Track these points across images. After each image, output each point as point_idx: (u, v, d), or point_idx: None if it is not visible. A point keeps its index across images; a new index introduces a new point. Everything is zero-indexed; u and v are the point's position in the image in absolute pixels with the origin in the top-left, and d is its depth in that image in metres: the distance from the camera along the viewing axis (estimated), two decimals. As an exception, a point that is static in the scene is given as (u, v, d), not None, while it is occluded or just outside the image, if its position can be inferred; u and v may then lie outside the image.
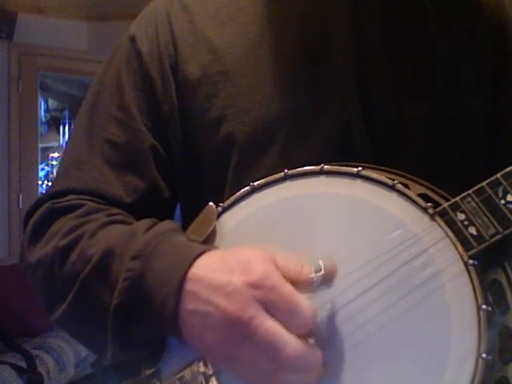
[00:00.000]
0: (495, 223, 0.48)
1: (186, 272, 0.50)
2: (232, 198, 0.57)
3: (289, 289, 0.47)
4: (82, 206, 0.62)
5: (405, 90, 0.62)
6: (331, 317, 0.50)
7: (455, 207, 0.50)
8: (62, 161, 0.69)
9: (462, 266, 0.48)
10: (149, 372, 0.55)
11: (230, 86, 0.63)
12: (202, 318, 0.48)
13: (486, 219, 0.48)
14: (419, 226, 0.50)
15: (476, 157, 0.63)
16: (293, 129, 0.61)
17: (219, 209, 0.57)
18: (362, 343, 0.49)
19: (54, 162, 4.91)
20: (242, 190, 0.57)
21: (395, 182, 0.52)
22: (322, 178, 0.55)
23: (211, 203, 0.58)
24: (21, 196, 3.42)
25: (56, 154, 4.94)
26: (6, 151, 3.40)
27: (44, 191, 3.31)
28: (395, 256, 0.50)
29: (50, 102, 4.98)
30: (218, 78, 0.64)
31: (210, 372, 0.51)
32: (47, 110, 4.95)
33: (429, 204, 0.51)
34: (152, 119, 0.66)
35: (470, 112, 0.62)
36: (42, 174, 4.51)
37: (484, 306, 0.46)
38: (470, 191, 0.49)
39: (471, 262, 0.48)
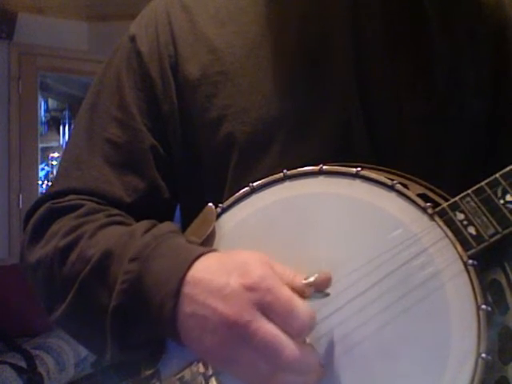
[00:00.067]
0: (494, 223, 0.48)
1: (184, 275, 0.50)
2: (231, 199, 0.57)
3: (286, 291, 0.47)
4: (81, 206, 0.62)
5: (405, 90, 0.62)
6: (331, 317, 0.50)
7: (454, 207, 0.50)
8: (62, 161, 0.69)
9: (462, 266, 0.48)
10: (148, 372, 0.55)
11: (229, 86, 0.63)
12: (199, 321, 0.48)
13: (485, 219, 0.48)
14: (418, 226, 0.50)
15: (475, 157, 0.63)
16: (292, 129, 0.61)
17: (218, 209, 0.57)
18: (362, 343, 0.49)
19: (54, 162, 4.91)
20: (242, 190, 0.57)
21: (394, 182, 0.52)
22: (321, 179, 0.55)
23: (210, 204, 0.58)
24: (21, 196, 3.42)
25: (56, 154, 4.94)
26: (6, 151, 3.40)
27: (44, 191, 3.31)
28: (395, 256, 0.50)
29: (50, 101, 4.98)
30: (217, 77, 0.64)
31: (210, 373, 0.51)
32: (47, 110, 4.95)
33: (428, 204, 0.51)
34: (152, 119, 0.66)
35: (470, 112, 0.62)
36: (42, 174, 4.51)
37: (484, 306, 0.46)
38: (470, 191, 0.49)
39: (471, 261, 0.48)
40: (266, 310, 0.47)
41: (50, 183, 4.46)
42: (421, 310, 0.48)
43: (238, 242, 0.55)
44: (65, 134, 4.98)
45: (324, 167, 0.55)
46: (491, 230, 0.48)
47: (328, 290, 0.49)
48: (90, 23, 3.72)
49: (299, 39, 0.63)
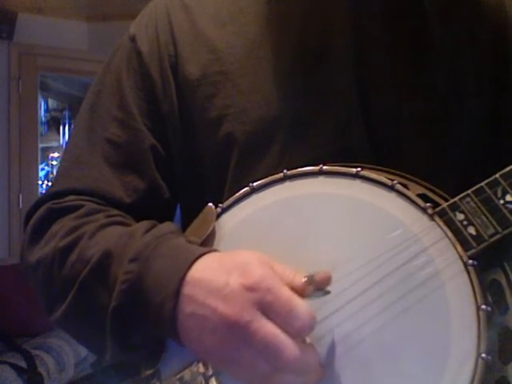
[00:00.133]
0: (494, 223, 0.48)
1: (184, 275, 0.50)
2: (231, 199, 0.57)
3: (286, 291, 0.47)
4: (81, 206, 0.62)
5: (405, 90, 0.62)
6: (331, 317, 0.50)
7: (454, 207, 0.50)
8: (62, 160, 0.69)
9: (462, 266, 0.48)
10: (148, 372, 0.55)
11: (229, 86, 0.63)
12: (199, 321, 0.48)
13: (485, 219, 0.48)
14: (419, 226, 0.50)
15: (475, 157, 0.63)
16: (292, 129, 0.61)
17: (218, 209, 0.57)
18: (362, 343, 0.49)
19: (54, 162, 4.91)
20: (242, 190, 0.57)
21: (394, 182, 0.52)
22: (322, 179, 0.55)
23: (210, 204, 0.58)
24: (21, 196, 3.42)
25: (56, 154, 4.93)
26: (6, 151, 3.40)
27: (44, 191, 3.31)
28: (395, 256, 0.50)
29: (50, 102, 4.97)
30: (217, 77, 0.64)
31: (210, 373, 0.51)
32: (47, 110, 4.94)
33: (428, 204, 0.51)
34: (152, 119, 0.66)
35: (470, 112, 0.62)
36: (42, 174, 4.50)
37: (483, 306, 0.46)
38: (469, 191, 0.49)
39: (471, 262, 0.48)
40: (266, 309, 0.47)
41: (50, 183, 4.46)
42: (421, 310, 0.48)
43: (237, 242, 0.55)
44: (65, 134, 4.98)
45: (324, 167, 0.55)
46: (491, 230, 0.48)
47: (328, 289, 0.49)
48: (90, 23, 3.72)
49: (299, 39, 0.63)
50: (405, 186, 0.52)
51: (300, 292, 0.48)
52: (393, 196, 0.52)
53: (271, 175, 0.57)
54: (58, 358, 2.67)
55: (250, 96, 0.62)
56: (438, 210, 0.50)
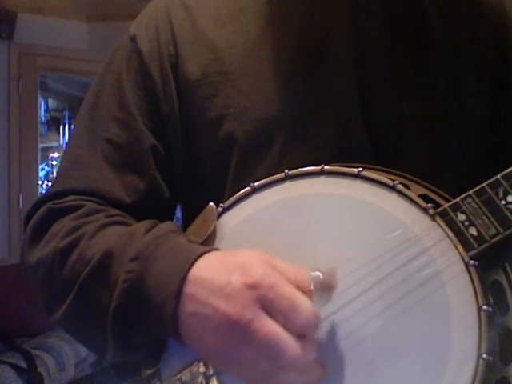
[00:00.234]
0: (496, 224, 0.48)
1: (186, 274, 0.50)
2: (232, 199, 0.57)
3: (288, 288, 0.47)
4: (81, 206, 0.62)
5: (405, 90, 0.62)
6: (332, 317, 0.50)
7: (456, 208, 0.50)
8: (62, 160, 0.69)
9: (463, 267, 0.48)
10: (149, 372, 0.55)
11: (230, 86, 0.63)
12: (201, 321, 0.48)
13: (486, 220, 0.48)
14: (420, 227, 0.50)
15: (477, 157, 0.63)
16: (293, 129, 0.61)
17: (219, 209, 0.57)
18: (363, 343, 0.49)
19: (54, 162, 4.91)
20: (243, 190, 0.57)
21: (395, 182, 0.52)
22: (323, 179, 0.55)
23: (211, 203, 0.58)
24: (21, 196, 3.42)
25: (56, 154, 4.93)
26: (6, 151, 3.40)
27: (44, 191, 3.31)
28: (395, 256, 0.50)
29: (50, 102, 4.97)
30: (217, 78, 0.64)
31: (211, 372, 0.51)
32: (47, 110, 4.94)
33: (429, 204, 0.51)
34: (152, 119, 0.66)
35: (471, 112, 0.62)
36: (42, 174, 4.50)
37: (485, 307, 0.46)
38: (471, 192, 0.49)
39: (472, 262, 0.48)
40: (268, 307, 0.47)
41: (50, 183, 4.46)
42: (422, 311, 0.48)
43: (238, 242, 0.55)
44: (65, 134, 4.98)
45: (325, 167, 0.55)
46: (492, 231, 0.48)
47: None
48: (90, 23, 3.72)
49: (299, 39, 0.63)
50: (406, 186, 0.52)
51: (303, 288, 0.48)
52: (394, 196, 0.52)
53: (272, 175, 0.57)
54: (58, 358, 2.67)
55: (250, 96, 0.62)
56: (439, 210, 0.50)
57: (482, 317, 0.46)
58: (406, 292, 0.49)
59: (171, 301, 0.49)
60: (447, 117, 0.62)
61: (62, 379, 2.64)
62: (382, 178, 0.53)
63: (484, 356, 0.45)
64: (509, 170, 0.48)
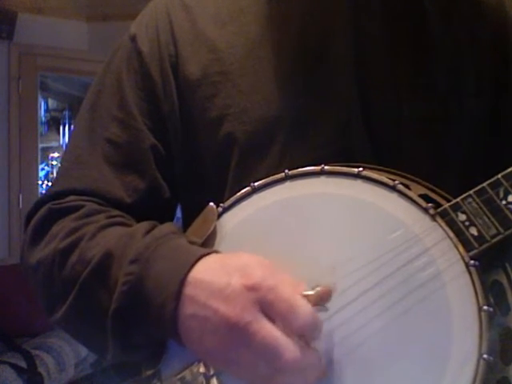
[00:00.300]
0: (496, 224, 0.47)
1: (185, 276, 0.50)
2: (232, 199, 0.57)
3: (287, 290, 0.47)
4: (82, 207, 0.62)
5: (405, 90, 0.62)
6: (332, 318, 0.50)
7: (456, 208, 0.49)
8: (63, 160, 0.69)
9: (463, 267, 0.48)
10: (149, 372, 0.55)
11: (230, 86, 0.63)
12: (200, 322, 0.48)
13: (487, 220, 0.48)
14: (420, 227, 0.50)
15: (477, 157, 0.63)
16: (293, 129, 0.61)
17: (220, 209, 0.57)
18: (363, 344, 0.49)
19: (54, 162, 4.90)
20: (243, 190, 0.57)
21: (396, 182, 0.52)
22: (323, 179, 0.55)
23: (212, 203, 0.58)
24: (21, 196, 3.42)
25: (56, 154, 4.93)
26: (6, 151, 3.40)
27: (44, 191, 3.31)
28: (396, 256, 0.50)
29: (50, 102, 4.97)
30: (217, 78, 0.64)
31: (211, 373, 0.51)
32: (47, 110, 4.94)
33: (430, 204, 0.50)
34: (152, 119, 0.66)
35: (471, 112, 0.62)
36: (42, 174, 4.50)
37: (485, 307, 0.46)
38: (471, 192, 0.49)
39: (472, 262, 0.48)
40: (267, 309, 0.47)
41: (50, 183, 4.46)
42: (422, 311, 0.48)
43: (239, 242, 0.55)
44: (65, 134, 4.98)
45: (325, 167, 0.55)
46: (493, 231, 0.48)
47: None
48: (90, 23, 3.72)
49: (299, 39, 0.63)
50: (406, 186, 0.52)
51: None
52: (394, 196, 0.52)
53: (272, 175, 0.57)
54: (58, 358, 2.66)
55: (250, 96, 0.62)
56: (439, 210, 0.50)
57: (483, 317, 0.46)
58: (407, 292, 0.49)
59: (171, 302, 0.49)
60: (447, 117, 0.62)
61: (61, 379, 2.64)
62: (383, 177, 0.53)
63: (484, 356, 0.45)
64: (509, 169, 0.48)
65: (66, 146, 0.70)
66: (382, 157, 0.59)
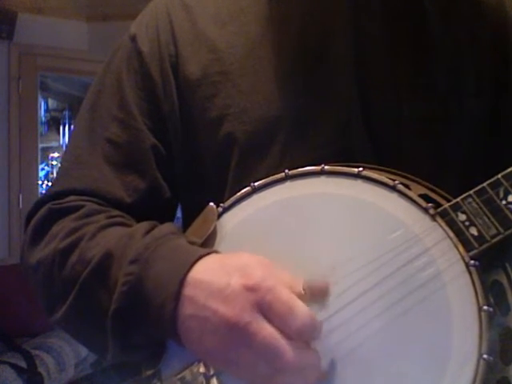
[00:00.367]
0: (496, 224, 0.47)
1: (185, 276, 0.50)
2: (232, 199, 0.57)
3: (286, 292, 0.47)
4: (82, 207, 0.62)
5: (405, 90, 0.62)
6: (332, 318, 0.50)
7: (456, 208, 0.49)
8: (63, 161, 0.69)
9: (463, 267, 0.48)
10: (149, 372, 0.55)
11: (230, 86, 0.63)
12: (200, 323, 0.48)
13: (487, 220, 0.48)
14: (420, 227, 0.50)
15: (477, 157, 0.63)
16: (293, 129, 0.61)
17: (220, 209, 0.57)
18: (363, 344, 0.49)
19: (54, 162, 4.90)
20: (243, 190, 0.57)
21: (396, 182, 0.52)
22: (323, 179, 0.55)
23: (212, 203, 0.58)
24: (21, 196, 3.42)
25: (56, 154, 4.93)
26: (6, 151, 3.40)
27: (44, 191, 3.31)
28: (396, 256, 0.50)
29: (50, 102, 4.97)
30: (218, 78, 0.64)
31: (211, 373, 0.51)
32: (47, 110, 4.94)
33: (430, 204, 0.50)
34: (153, 119, 0.66)
35: (471, 112, 0.62)
36: (42, 174, 4.50)
37: (485, 307, 0.46)
38: (471, 192, 0.49)
39: (472, 262, 0.47)
40: (266, 310, 0.47)
41: (50, 183, 4.46)
42: (422, 311, 0.48)
43: (238, 242, 0.55)
44: (65, 134, 4.98)
45: (326, 167, 0.55)
46: (493, 231, 0.48)
47: (329, 289, 0.49)
48: (90, 23, 3.72)
49: (299, 39, 0.63)
50: (406, 186, 0.52)
51: (297, 294, 0.48)
52: (394, 196, 0.52)
53: (272, 175, 0.57)
54: (58, 358, 2.66)
55: (250, 96, 0.62)
56: (439, 210, 0.50)
57: (483, 317, 0.46)
58: (407, 293, 0.49)
59: (170, 302, 0.49)
60: (447, 117, 0.62)
61: (61, 379, 2.64)
62: (383, 177, 0.53)
63: (484, 356, 0.45)
64: (509, 169, 0.48)
65: (66, 146, 0.70)
66: (382, 157, 0.59)
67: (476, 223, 0.48)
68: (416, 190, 0.52)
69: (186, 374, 0.52)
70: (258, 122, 0.62)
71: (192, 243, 0.55)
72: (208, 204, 0.58)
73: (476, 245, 0.48)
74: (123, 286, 0.52)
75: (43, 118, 4.73)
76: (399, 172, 0.55)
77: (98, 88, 0.69)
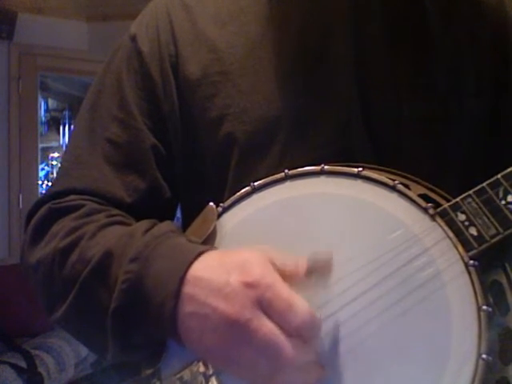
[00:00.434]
0: (496, 224, 0.48)
1: (184, 274, 0.50)
2: (232, 198, 0.57)
3: (286, 289, 0.47)
4: (82, 206, 0.62)
5: (405, 90, 0.62)
6: (331, 317, 0.50)
7: (456, 208, 0.50)
8: (63, 161, 0.69)
9: (463, 267, 0.48)
10: (149, 372, 0.55)
11: (230, 86, 0.63)
12: (200, 321, 0.48)
13: (486, 220, 0.48)
14: (420, 227, 0.50)
15: (477, 157, 0.63)
16: (293, 129, 0.61)
17: (219, 209, 0.57)
18: (362, 344, 0.49)
19: (54, 162, 4.90)
20: (243, 190, 0.57)
21: (396, 182, 0.52)
22: (323, 179, 0.55)
23: (211, 203, 0.58)
24: (21, 196, 3.42)
25: (56, 154, 4.93)
26: (6, 151, 3.40)
27: (44, 191, 3.31)
28: (396, 256, 0.50)
29: (50, 102, 4.97)
30: (218, 77, 0.64)
31: (210, 372, 0.51)
32: (47, 110, 4.94)
33: (429, 204, 0.51)
34: (153, 119, 0.66)
35: (471, 112, 0.62)
36: (42, 174, 4.50)
37: (484, 307, 0.46)
38: (471, 192, 0.49)
39: (472, 262, 0.48)
40: (266, 307, 0.47)
41: (50, 183, 4.46)
42: (421, 311, 0.48)
43: (238, 242, 0.55)
44: (65, 134, 4.98)
45: (325, 167, 0.55)
46: (492, 231, 0.48)
47: (329, 290, 0.49)
48: (90, 23, 3.72)
49: (300, 39, 0.63)
50: (406, 186, 0.52)
51: (303, 279, 0.48)
52: (394, 196, 0.52)
53: (272, 175, 0.57)
54: (58, 358, 2.67)
55: (250, 96, 0.62)
56: (439, 210, 0.50)
57: (482, 317, 0.46)
58: (406, 293, 0.49)
59: (170, 300, 0.49)
60: (447, 117, 0.62)
61: (61, 379, 2.64)
62: (383, 177, 0.53)
63: (483, 356, 0.45)
64: (509, 169, 0.48)
65: (66, 146, 0.70)
66: (382, 157, 0.59)
67: (475, 223, 0.48)
68: (416, 190, 0.52)
69: (186, 373, 0.52)
70: (258, 121, 0.62)
71: (191, 242, 0.55)
72: (208, 204, 0.58)
73: (475, 245, 0.48)
74: (123, 283, 0.52)
75: (43, 118, 4.73)
76: (399, 172, 0.55)
77: (98, 88, 0.69)
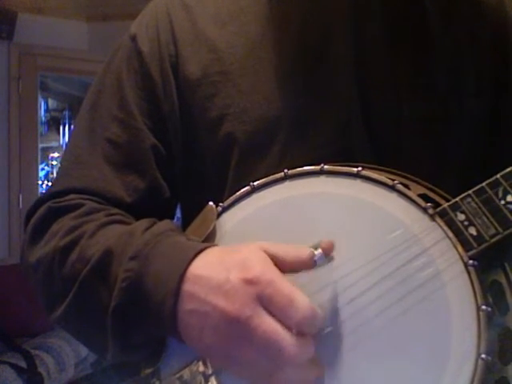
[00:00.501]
0: (495, 223, 0.48)
1: (184, 272, 0.50)
2: (232, 198, 0.57)
3: (286, 284, 0.47)
4: (82, 205, 0.62)
5: (405, 90, 0.62)
6: (331, 316, 0.50)
7: (455, 207, 0.50)
8: (63, 160, 0.69)
9: (462, 267, 0.48)
10: (148, 371, 0.55)
11: (230, 86, 0.63)
12: (200, 318, 0.48)
13: (486, 219, 0.48)
14: (419, 227, 0.50)
15: (476, 157, 0.63)
16: (293, 129, 0.61)
17: (219, 208, 0.57)
18: (362, 343, 0.49)
19: (54, 162, 4.91)
20: (242, 189, 0.57)
21: (395, 182, 0.52)
22: (322, 178, 0.55)
23: (211, 203, 0.58)
24: (21, 196, 3.42)
25: (56, 154, 4.93)
26: (6, 151, 3.40)
27: (44, 191, 3.31)
28: (395, 256, 0.50)
29: (50, 102, 4.97)
30: (218, 77, 0.64)
31: (210, 372, 0.51)
32: (47, 110, 4.94)
33: (429, 204, 0.51)
34: (153, 119, 0.66)
35: (471, 112, 0.62)
36: (42, 174, 4.50)
37: (484, 307, 0.46)
38: (470, 191, 0.49)
39: (471, 262, 0.48)
40: (266, 303, 0.47)
41: (50, 183, 4.46)
42: (421, 311, 0.48)
43: (238, 241, 0.55)
44: (65, 134, 4.98)
45: (325, 167, 0.55)
46: (492, 231, 0.48)
47: (328, 289, 0.49)
48: (90, 23, 3.72)
49: (300, 39, 0.63)
50: (406, 185, 0.52)
51: (308, 264, 0.49)
52: (394, 196, 0.52)
53: (272, 174, 0.57)
54: (58, 358, 2.67)
55: (250, 96, 0.62)
56: (438, 210, 0.50)
57: (481, 317, 0.46)
58: (406, 292, 0.49)
59: (170, 298, 0.49)
60: (447, 117, 0.62)
61: (61, 379, 2.65)
62: (382, 177, 0.53)
63: (483, 356, 0.45)
64: (508, 169, 0.48)
65: (66, 145, 0.70)
66: (382, 157, 0.59)
67: (475, 223, 0.48)
68: (415, 190, 0.52)
69: (185, 372, 0.53)
70: (257, 121, 0.62)
71: (191, 241, 0.55)
72: (207, 203, 0.58)
73: (475, 245, 0.48)
74: (123, 282, 0.52)
75: (43, 118, 4.74)
76: (399, 172, 0.55)
77: (98, 88, 0.69)
